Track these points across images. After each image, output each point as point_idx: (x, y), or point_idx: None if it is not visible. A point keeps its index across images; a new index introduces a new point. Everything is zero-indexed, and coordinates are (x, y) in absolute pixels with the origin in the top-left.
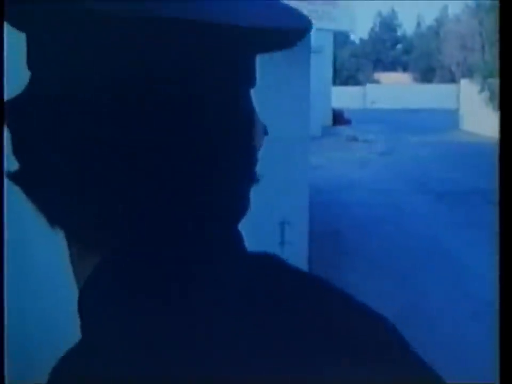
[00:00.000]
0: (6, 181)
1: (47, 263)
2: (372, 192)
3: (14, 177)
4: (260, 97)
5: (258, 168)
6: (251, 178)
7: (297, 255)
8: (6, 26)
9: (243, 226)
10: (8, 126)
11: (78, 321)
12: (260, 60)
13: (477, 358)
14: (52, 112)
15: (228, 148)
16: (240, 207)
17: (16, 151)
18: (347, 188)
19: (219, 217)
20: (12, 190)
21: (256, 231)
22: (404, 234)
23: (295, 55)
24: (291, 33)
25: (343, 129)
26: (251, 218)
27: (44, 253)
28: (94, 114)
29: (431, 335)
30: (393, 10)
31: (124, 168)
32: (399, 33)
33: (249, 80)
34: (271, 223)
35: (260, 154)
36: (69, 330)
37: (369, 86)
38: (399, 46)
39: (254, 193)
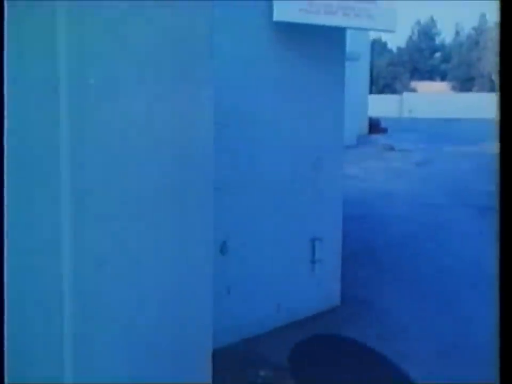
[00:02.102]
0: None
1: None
2: (410, 205)
3: None
4: (292, 105)
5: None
6: None
7: (329, 273)
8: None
9: (273, 243)
10: None
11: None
12: (293, 69)
13: None
14: None
15: None
16: None
17: None
18: (383, 200)
19: None
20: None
21: (287, 248)
22: (445, 252)
23: (329, 62)
24: None
25: (379, 138)
26: (281, 235)
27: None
28: None
29: (481, 370)
30: (431, 19)
31: None
32: (437, 41)
33: None
34: (302, 239)
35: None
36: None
37: (406, 95)
38: (437, 55)
39: (284, 209)
